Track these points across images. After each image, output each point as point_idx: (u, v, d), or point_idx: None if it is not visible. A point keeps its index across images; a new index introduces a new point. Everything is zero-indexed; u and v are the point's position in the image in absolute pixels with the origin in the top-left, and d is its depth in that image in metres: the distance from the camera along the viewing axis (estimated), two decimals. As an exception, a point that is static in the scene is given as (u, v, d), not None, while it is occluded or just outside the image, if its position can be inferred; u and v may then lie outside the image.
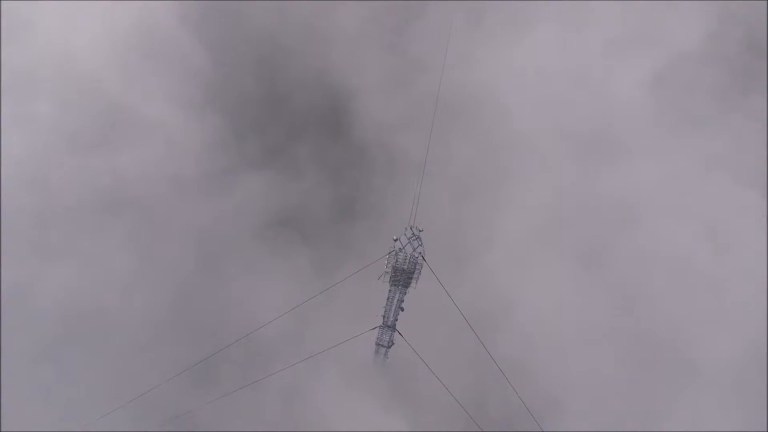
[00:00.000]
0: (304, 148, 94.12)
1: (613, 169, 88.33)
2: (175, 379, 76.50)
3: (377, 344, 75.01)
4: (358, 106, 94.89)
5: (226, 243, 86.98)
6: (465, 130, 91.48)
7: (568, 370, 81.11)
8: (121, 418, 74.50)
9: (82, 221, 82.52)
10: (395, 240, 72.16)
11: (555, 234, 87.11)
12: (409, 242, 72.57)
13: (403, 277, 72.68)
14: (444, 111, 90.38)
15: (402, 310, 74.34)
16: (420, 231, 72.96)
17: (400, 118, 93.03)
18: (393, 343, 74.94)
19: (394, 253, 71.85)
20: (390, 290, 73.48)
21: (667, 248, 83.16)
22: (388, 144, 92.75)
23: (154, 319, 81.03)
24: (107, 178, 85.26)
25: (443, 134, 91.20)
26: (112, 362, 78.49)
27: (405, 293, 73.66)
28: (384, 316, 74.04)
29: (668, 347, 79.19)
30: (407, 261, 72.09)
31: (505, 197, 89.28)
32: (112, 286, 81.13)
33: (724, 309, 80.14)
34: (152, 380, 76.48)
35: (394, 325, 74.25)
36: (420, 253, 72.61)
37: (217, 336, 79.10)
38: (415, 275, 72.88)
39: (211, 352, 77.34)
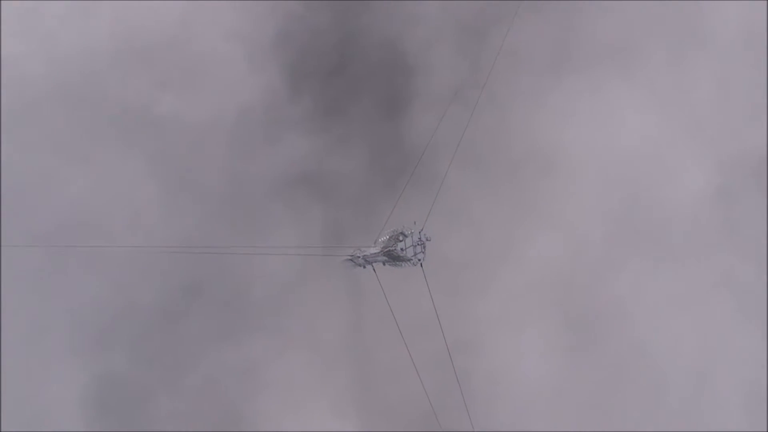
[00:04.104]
0: (356, 117, 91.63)
1: (638, 258, 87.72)
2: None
3: (350, 260, 75.26)
4: (417, 97, 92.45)
5: (245, 190, 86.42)
6: (515, 163, 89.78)
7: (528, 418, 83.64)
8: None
9: (114, 135, 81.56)
10: (405, 237, 71.94)
11: (558, 293, 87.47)
12: (413, 246, 72.49)
13: (393, 257, 73.17)
14: (503, 141, 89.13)
15: (383, 264, 74.58)
16: (428, 240, 72.76)
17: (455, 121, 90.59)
18: (364, 267, 74.75)
19: (393, 240, 71.94)
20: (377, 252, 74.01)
21: (655, 356, 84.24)
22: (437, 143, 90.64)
23: (155, 239, 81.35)
24: (149, 99, 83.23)
25: (492, 161, 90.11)
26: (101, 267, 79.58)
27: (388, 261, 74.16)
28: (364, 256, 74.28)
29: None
30: (404, 254, 72.28)
31: (529, 237, 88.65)
32: (124, 200, 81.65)
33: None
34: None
35: (372, 263, 74.33)
36: (420, 260, 72.76)
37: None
38: (403, 264, 73.29)
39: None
